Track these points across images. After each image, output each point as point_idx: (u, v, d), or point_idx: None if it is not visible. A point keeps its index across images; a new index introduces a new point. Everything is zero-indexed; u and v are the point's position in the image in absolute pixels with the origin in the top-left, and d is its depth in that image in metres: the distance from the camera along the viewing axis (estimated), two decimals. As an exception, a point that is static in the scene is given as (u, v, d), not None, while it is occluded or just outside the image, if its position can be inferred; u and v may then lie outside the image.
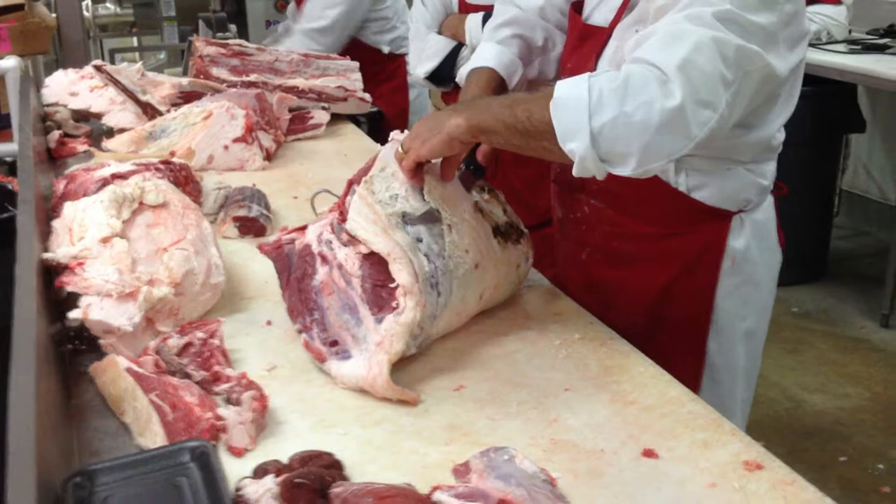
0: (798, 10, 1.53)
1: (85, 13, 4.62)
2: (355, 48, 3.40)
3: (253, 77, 2.93)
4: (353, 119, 3.09)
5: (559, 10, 1.92)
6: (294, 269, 1.56)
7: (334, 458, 1.18)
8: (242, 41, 3.13)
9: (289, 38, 3.46)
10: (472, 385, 1.44)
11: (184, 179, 2.09)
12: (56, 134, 2.64)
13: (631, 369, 1.48)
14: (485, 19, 2.50)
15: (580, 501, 1.14)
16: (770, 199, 1.76)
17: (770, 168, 1.72)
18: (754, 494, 1.16)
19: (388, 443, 1.28)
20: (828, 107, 4.34)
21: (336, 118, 2.97)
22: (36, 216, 1.70)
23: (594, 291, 1.81)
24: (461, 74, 1.96)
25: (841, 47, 4.29)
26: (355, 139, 2.89)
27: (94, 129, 2.77)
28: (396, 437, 1.30)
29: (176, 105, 2.71)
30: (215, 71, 2.93)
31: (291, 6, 3.62)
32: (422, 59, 2.69)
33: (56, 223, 1.70)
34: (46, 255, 1.57)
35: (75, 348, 1.51)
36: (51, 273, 1.56)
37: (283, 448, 1.24)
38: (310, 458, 1.17)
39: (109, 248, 1.55)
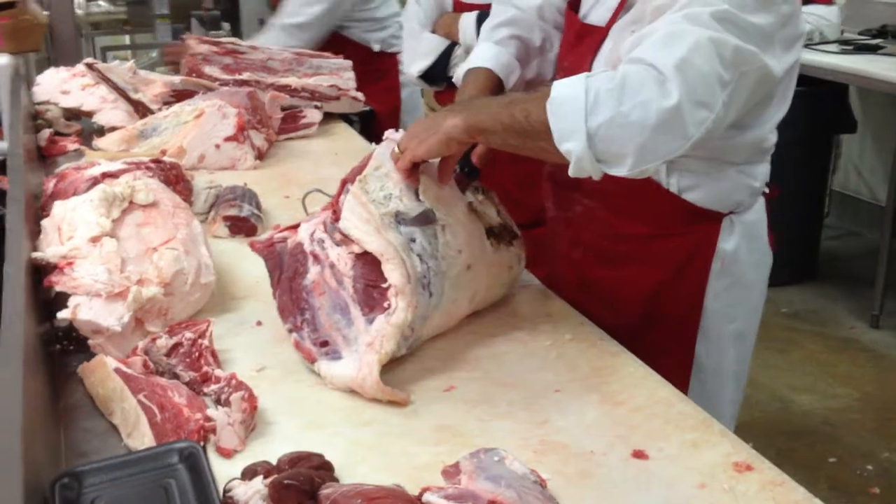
0: (794, 12, 1.53)
1: (77, 11, 4.61)
2: (345, 46, 3.39)
3: (245, 75, 2.92)
4: (346, 118, 3.08)
5: (557, 11, 1.92)
6: (285, 268, 1.56)
7: (324, 460, 1.18)
8: (235, 39, 3.13)
9: (266, 32, 3.46)
10: (462, 386, 1.44)
11: (174, 178, 2.09)
12: (47, 132, 2.63)
13: (621, 370, 1.48)
14: (479, 18, 2.50)
15: (570, 502, 1.14)
16: (761, 201, 1.76)
17: (762, 170, 1.72)
18: (744, 495, 1.17)
19: (378, 444, 1.28)
20: (819, 107, 4.34)
21: (328, 117, 2.96)
22: (25, 215, 1.70)
23: (586, 290, 1.81)
24: (458, 74, 1.96)
25: (833, 47, 4.30)
26: (348, 138, 2.89)
27: (85, 127, 2.76)
28: (386, 438, 1.30)
29: (167, 103, 2.70)
30: (208, 69, 2.92)
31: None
32: (415, 57, 2.68)
33: (46, 222, 1.69)
34: (35, 255, 1.56)
35: (64, 348, 1.51)
36: (40, 272, 1.55)
37: (272, 449, 1.24)
38: (299, 460, 1.17)
39: (99, 248, 1.55)
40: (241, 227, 2.03)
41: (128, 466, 1.15)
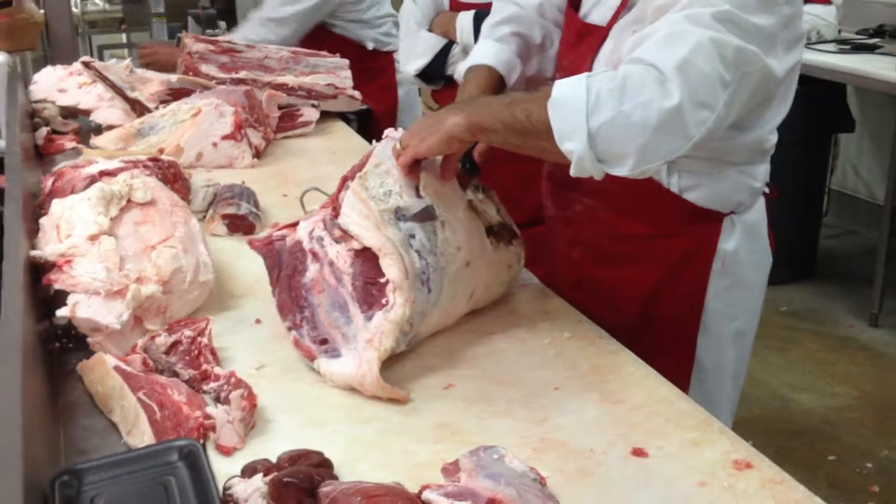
0: (796, 12, 1.53)
1: (74, 9, 4.61)
2: (338, 44, 3.38)
3: (242, 74, 2.92)
4: (343, 117, 3.08)
5: (557, 8, 1.92)
6: (284, 266, 1.56)
7: (323, 457, 1.18)
8: (232, 38, 3.12)
9: (245, 25, 3.46)
10: (461, 384, 1.43)
11: (172, 177, 2.08)
12: (44, 131, 2.63)
13: (620, 368, 1.48)
14: (476, 17, 2.49)
15: (570, 500, 1.14)
16: (761, 201, 1.76)
17: (762, 170, 1.72)
18: (743, 493, 1.16)
19: (378, 441, 1.28)
20: (817, 106, 4.35)
21: (326, 116, 2.96)
22: (23, 213, 1.69)
23: (585, 289, 1.81)
24: (459, 72, 1.95)
25: (830, 47, 4.30)
26: (345, 137, 2.88)
27: (82, 125, 2.76)
28: (386, 435, 1.30)
29: (164, 102, 2.70)
30: (204, 68, 2.92)
31: None
32: (412, 56, 2.68)
33: (44, 220, 1.69)
34: (34, 253, 1.56)
35: (63, 346, 1.51)
36: (38, 271, 1.55)
37: (271, 447, 1.24)
38: (298, 457, 1.16)
39: (97, 246, 1.55)
40: (240, 225, 2.03)
41: (127, 464, 1.15)
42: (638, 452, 1.25)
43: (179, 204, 1.78)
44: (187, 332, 1.47)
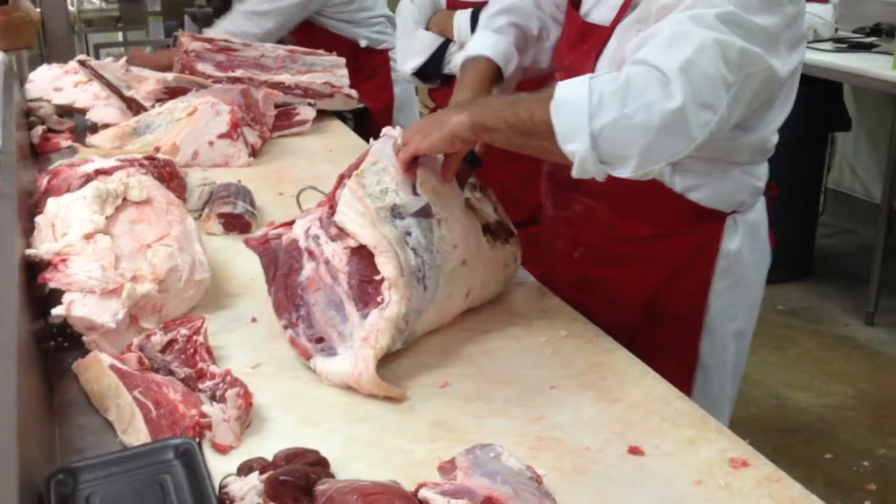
0: (799, 12, 1.52)
1: (70, 8, 4.60)
2: (330, 41, 3.38)
3: (238, 73, 2.91)
4: (340, 115, 3.08)
5: (553, 2, 1.92)
6: (280, 265, 1.56)
7: (319, 456, 1.17)
8: (228, 36, 3.12)
9: (229, 17, 3.45)
10: (457, 382, 1.43)
11: (168, 175, 2.08)
12: (40, 129, 2.62)
13: (616, 367, 1.47)
14: (473, 16, 2.49)
15: (566, 499, 1.14)
16: (762, 201, 1.76)
17: (763, 169, 1.72)
18: (740, 492, 1.16)
19: (374, 440, 1.28)
20: (814, 105, 4.35)
21: (322, 114, 2.96)
22: (19, 212, 1.69)
23: (586, 290, 1.80)
24: (455, 62, 1.95)
25: (827, 45, 4.31)
26: (341, 136, 2.88)
27: (78, 124, 2.76)
28: (382, 434, 1.29)
29: (161, 100, 2.69)
30: (200, 66, 2.92)
31: None
32: (409, 55, 2.67)
33: (39, 219, 1.69)
34: (29, 252, 1.56)
35: (58, 345, 1.50)
36: (33, 269, 1.55)
37: (267, 445, 1.24)
38: (295, 456, 1.16)
39: (93, 245, 1.54)
40: (236, 223, 2.03)
41: (123, 463, 1.15)
42: (634, 451, 1.25)
43: (175, 202, 1.78)
44: (183, 331, 1.46)
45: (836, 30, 4.55)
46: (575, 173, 1.41)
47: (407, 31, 2.71)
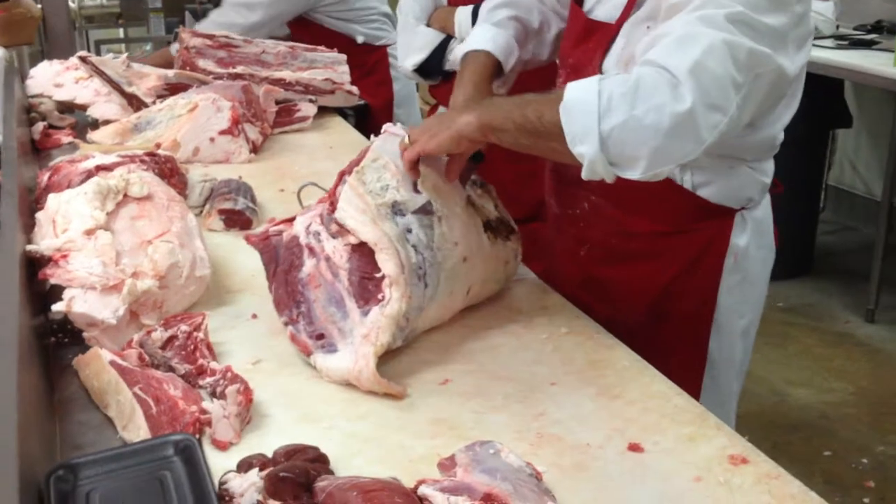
0: (806, 10, 1.51)
1: (71, 4, 4.60)
2: (326, 37, 3.38)
3: (239, 69, 2.91)
4: (341, 112, 3.07)
5: None
6: (281, 261, 1.56)
7: (319, 452, 1.18)
8: (229, 33, 3.12)
9: (217, 10, 3.46)
10: (458, 379, 1.43)
11: (169, 172, 2.08)
12: (40, 125, 2.62)
13: (617, 363, 1.47)
14: (474, 12, 2.49)
15: (566, 495, 1.14)
16: (768, 197, 1.76)
17: (770, 166, 1.72)
18: (739, 488, 1.16)
19: (374, 436, 1.28)
20: (815, 102, 4.32)
21: (323, 111, 2.96)
22: (20, 208, 1.69)
23: (592, 288, 1.80)
24: (456, 55, 1.95)
25: (828, 42, 4.30)
26: (342, 132, 2.88)
27: (78, 120, 2.76)
28: (382, 430, 1.29)
29: (161, 97, 2.69)
30: (201, 63, 2.92)
31: None
32: (410, 51, 2.67)
33: (40, 215, 1.69)
34: (30, 247, 1.56)
35: (59, 341, 1.50)
36: (34, 265, 1.55)
37: (267, 442, 1.24)
38: (295, 452, 1.16)
39: (93, 241, 1.54)
40: (236, 220, 2.03)
41: (123, 459, 1.15)
42: (634, 447, 1.25)
43: (176, 199, 1.78)
44: (183, 327, 1.46)
45: (838, 27, 4.54)
46: (584, 175, 1.41)
47: (408, 27, 2.71)
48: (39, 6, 3.72)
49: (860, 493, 3.07)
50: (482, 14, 1.93)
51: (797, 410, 3.58)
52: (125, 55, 2.90)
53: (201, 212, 2.07)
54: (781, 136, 1.68)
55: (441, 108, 2.78)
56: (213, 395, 1.33)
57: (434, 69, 2.64)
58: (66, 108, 2.80)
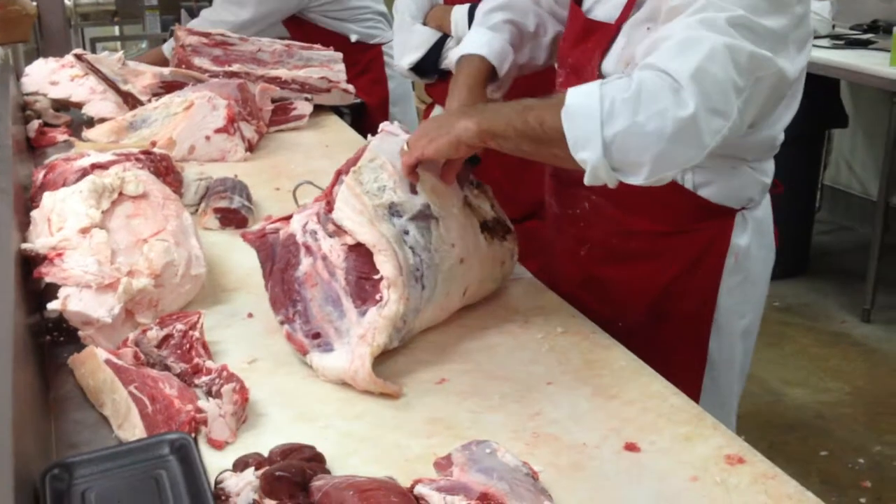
0: (806, 11, 1.52)
1: (66, 2, 4.58)
2: (319, 35, 3.37)
3: (235, 67, 2.91)
4: (337, 110, 3.07)
5: None
6: (277, 260, 1.55)
7: (315, 451, 1.17)
8: (225, 31, 3.11)
9: (209, 8, 3.46)
10: (454, 378, 1.43)
11: (164, 170, 2.08)
12: (36, 123, 2.61)
13: (613, 363, 1.47)
14: (471, 11, 2.49)
15: (562, 495, 1.14)
16: (768, 197, 1.76)
17: (770, 166, 1.72)
18: (735, 488, 1.16)
19: (370, 436, 1.28)
20: (810, 102, 4.31)
21: (319, 109, 2.96)
22: (14, 206, 1.69)
23: (592, 288, 1.80)
24: (451, 59, 1.94)
25: (824, 42, 4.31)
26: (338, 130, 2.88)
27: (74, 118, 2.75)
28: (378, 430, 1.29)
29: (157, 95, 2.69)
30: (197, 61, 2.91)
31: None
32: (406, 50, 2.67)
33: (35, 213, 1.68)
34: (25, 246, 1.55)
35: (54, 340, 1.50)
36: (29, 264, 1.54)
37: (263, 441, 1.24)
38: (291, 451, 1.16)
39: (89, 239, 1.54)
40: (232, 218, 2.02)
41: (118, 458, 1.15)
42: (630, 447, 1.25)
43: (171, 197, 1.77)
44: (179, 326, 1.46)
45: (834, 26, 4.55)
46: (587, 181, 1.40)
47: (404, 25, 2.71)
48: (35, 3, 3.71)
49: (857, 493, 3.07)
50: (478, 17, 1.93)
51: (794, 410, 3.59)
52: (121, 53, 2.89)
53: (197, 210, 2.07)
54: (782, 137, 1.68)
55: (437, 107, 2.78)
56: (208, 394, 1.33)
57: (430, 68, 2.64)
58: (62, 105, 2.79)
